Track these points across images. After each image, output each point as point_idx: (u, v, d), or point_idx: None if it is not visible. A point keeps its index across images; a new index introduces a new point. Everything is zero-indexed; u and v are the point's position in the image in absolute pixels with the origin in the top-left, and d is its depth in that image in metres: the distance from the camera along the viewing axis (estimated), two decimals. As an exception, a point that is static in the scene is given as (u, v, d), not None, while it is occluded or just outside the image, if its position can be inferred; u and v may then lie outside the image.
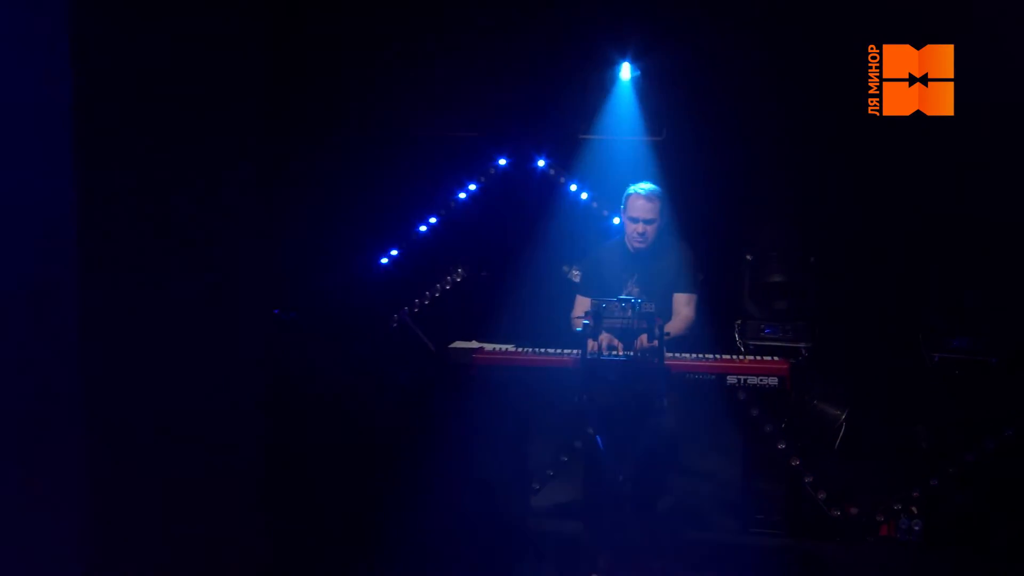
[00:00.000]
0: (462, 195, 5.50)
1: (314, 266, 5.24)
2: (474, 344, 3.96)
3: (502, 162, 5.39)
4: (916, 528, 4.29)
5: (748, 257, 4.92)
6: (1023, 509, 4.21)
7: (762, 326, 4.72)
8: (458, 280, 5.51)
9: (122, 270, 2.71)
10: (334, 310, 5.29)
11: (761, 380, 3.69)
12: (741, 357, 3.92)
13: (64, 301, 2.59)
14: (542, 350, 3.88)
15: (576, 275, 4.61)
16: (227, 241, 3.16)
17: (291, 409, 4.16)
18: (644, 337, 3.52)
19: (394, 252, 5.61)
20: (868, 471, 4.70)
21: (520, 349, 3.96)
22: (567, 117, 5.25)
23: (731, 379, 3.71)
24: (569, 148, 5.31)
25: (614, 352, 3.61)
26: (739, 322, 4.82)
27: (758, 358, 3.86)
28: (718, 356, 3.83)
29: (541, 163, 5.28)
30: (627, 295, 3.78)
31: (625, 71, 5.04)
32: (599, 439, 3.69)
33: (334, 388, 4.61)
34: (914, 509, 4.32)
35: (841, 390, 4.81)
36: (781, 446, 4.29)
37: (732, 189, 5.24)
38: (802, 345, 4.63)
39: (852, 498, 4.39)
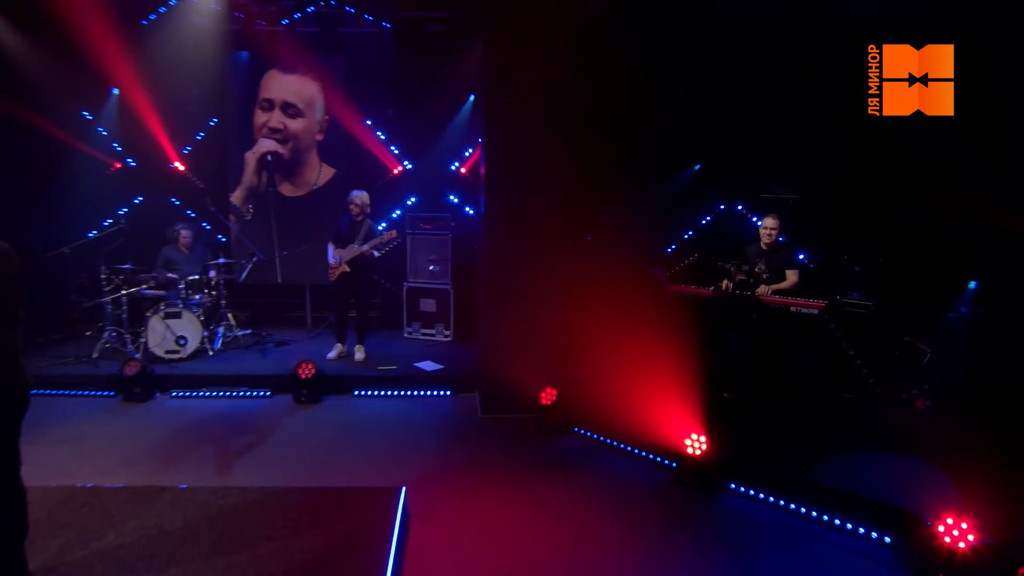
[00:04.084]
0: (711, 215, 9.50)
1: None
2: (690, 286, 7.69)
3: (723, 206, 9.31)
4: (928, 404, 6.98)
5: (845, 257, 7.79)
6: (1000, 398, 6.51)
7: (851, 292, 7.58)
8: (693, 258, 9.48)
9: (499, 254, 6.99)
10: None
11: (809, 310, 6.81)
12: (810, 299, 6.79)
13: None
14: (700, 286, 7.30)
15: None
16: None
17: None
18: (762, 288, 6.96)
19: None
20: (910, 369, 7.35)
21: (693, 285, 7.40)
22: (754, 183, 8.71)
23: (793, 308, 6.87)
24: (754, 199, 8.79)
25: (735, 291, 7.15)
26: (838, 290, 7.69)
27: (810, 300, 6.80)
28: (787, 297, 6.82)
29: (739, 207, 9.00)
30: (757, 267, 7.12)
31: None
32: (724, 333, 7.22)
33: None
34: (935, 394, 6.97)
35: (920, 329, 7.53)
36: (851, 352, 7.46)
37: (835, 221, 8.08)
38: (871, 303, 7.40)
39: (894, 382, 7.18)
